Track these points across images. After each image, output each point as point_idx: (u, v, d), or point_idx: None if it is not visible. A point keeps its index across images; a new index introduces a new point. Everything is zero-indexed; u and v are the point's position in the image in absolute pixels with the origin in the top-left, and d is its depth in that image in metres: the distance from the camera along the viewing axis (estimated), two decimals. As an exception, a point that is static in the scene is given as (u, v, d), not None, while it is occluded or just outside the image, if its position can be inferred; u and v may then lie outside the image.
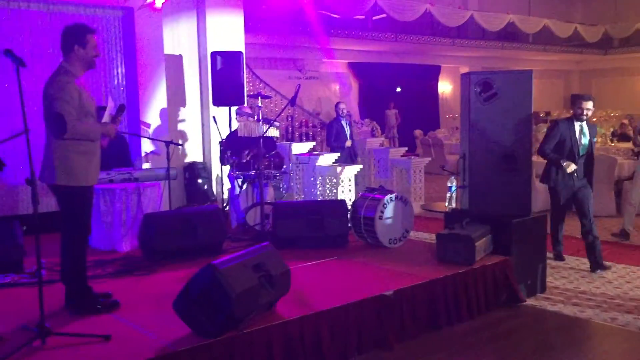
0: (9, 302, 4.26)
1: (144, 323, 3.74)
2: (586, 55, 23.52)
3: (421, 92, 21.19)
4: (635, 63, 23.82)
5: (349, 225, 5.86)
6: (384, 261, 5.21)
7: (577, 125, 5.90)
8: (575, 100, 6.02)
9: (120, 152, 6.46)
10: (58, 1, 6.96)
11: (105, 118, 4.24)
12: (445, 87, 22.95)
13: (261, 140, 6.11)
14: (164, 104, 7.76)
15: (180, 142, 7.54)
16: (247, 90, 8.37)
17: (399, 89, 19.72)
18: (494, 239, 5.21)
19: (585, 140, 5.90)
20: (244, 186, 6.77)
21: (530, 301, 5.13)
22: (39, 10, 7.00)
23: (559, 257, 6.35)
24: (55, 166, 3.88)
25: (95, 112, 4.13)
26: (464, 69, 20.40)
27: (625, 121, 15.07)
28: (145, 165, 7.36)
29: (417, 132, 17.63)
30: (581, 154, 5.90)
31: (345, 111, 9.33)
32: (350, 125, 9.43)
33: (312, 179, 8.23)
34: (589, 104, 5.89)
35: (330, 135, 9.38)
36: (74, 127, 3.84)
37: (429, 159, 10.77)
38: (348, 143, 9.28)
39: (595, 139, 6.13)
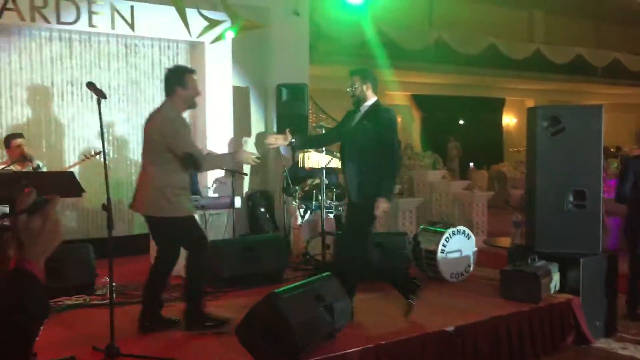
0: (80, 323, 4.44)
1: (207, 348, 3.83)
2: (659, 88, 22.67)
3: (484, 124, 20.92)
4: None
5: (410, 258, 5.81)
6: (446, 296, 5.14)
7: None
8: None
9: (191, 180, 6.65)
10: (134, 35, 7.32)
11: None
12: (510, 119, 22.56)
13: (324, 171, 6.18)
14: (231, 134, 7.98)
15: (245, 171, 7.70)
16: (310, 122, 8.49)
17: (461, 121, 19.55)
18: (562, 277, 5.06)
19: None
20: (306, 216, 6.84)
21: (599, 343, 4.93)
22: (117, 44, 7.39)
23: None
24: (158, 200, 4.01)
25: None
26: (530, 102, 20.00)
27: None
28: (211, 193, 7.55)
29: (471, 166, 17.29)
30: None
31: None
32: None
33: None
34: None
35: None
36: (205, 161, 4.19)
37: (492, 193, 10.58)
38: None
39: None
